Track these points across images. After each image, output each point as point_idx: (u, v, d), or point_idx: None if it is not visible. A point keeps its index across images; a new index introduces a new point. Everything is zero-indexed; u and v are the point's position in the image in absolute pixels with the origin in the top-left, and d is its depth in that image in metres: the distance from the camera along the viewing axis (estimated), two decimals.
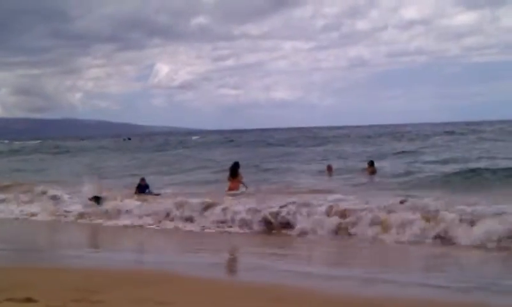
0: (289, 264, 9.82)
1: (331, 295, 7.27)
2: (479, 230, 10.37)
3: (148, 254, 12.10)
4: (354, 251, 11.13)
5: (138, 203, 16.98)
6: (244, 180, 19.39)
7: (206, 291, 7.51)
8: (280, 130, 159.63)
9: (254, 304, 6.83)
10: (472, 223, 10.67)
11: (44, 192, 19.95)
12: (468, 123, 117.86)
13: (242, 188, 18.97)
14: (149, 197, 18.68)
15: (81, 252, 11.31)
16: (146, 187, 19.90)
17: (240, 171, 19.70)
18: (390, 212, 11.94)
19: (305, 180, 22.08)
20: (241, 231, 13.39)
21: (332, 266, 9.97)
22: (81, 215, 16.86)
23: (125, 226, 15.11)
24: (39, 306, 6.47)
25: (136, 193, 19.40)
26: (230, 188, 18.93)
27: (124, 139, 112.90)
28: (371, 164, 22.46)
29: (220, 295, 7.34)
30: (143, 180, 20.22)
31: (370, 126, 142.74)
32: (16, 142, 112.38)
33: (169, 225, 14.69)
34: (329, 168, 22.80)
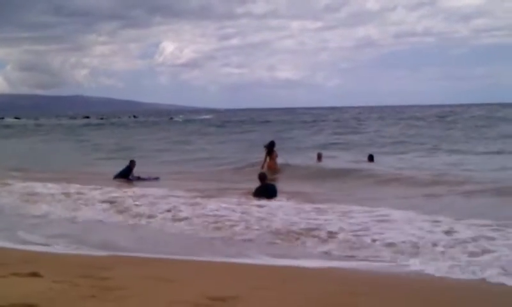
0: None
1: None
2: None
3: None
4: None
5: None
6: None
7: (208, 271, 7.56)
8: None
9: (258, 282, 6.80)
10: None
11: None
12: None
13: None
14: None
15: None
16: (129, 169, 18.82)
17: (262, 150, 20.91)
18: None
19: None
20: None
21: None
22: None
23: None
24: (44, 281, 6.45)
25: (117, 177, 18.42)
26: (269, 166, 20.11)
27: (129, 117, 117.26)
28: (371, 158, 22.81)
29: (222, 275, 7.37)
30: (133, 162, 19.08)
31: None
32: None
33: None
34: (319, 156, 23.04)
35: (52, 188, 16.21)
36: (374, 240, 9.08)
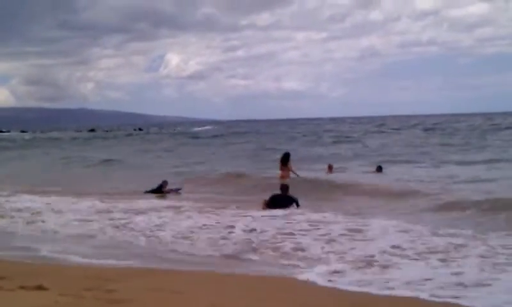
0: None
1: None
2: None
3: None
4: None
5: None
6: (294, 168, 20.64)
7: (214, 283, 7.57)
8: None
9: (263, 293, 6.85)
10: None
11: None
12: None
13: (292, 175, 20.38)
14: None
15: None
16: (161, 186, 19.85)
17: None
18: None
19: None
20: None
21: None
22: None
23: None
24: (50, 294, 6.43)
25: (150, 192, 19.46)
26: (281, 176, 20.24)
27: (135, 129, 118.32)
28: (379, 169, 23.21)
29: (227, 286, 7.40)
30: (165, 182, 20.11)
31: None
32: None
33: None
34: (330, 167, 23.28)
35: (37, 201, 16.62)
36: (342, 254, 9.20)
